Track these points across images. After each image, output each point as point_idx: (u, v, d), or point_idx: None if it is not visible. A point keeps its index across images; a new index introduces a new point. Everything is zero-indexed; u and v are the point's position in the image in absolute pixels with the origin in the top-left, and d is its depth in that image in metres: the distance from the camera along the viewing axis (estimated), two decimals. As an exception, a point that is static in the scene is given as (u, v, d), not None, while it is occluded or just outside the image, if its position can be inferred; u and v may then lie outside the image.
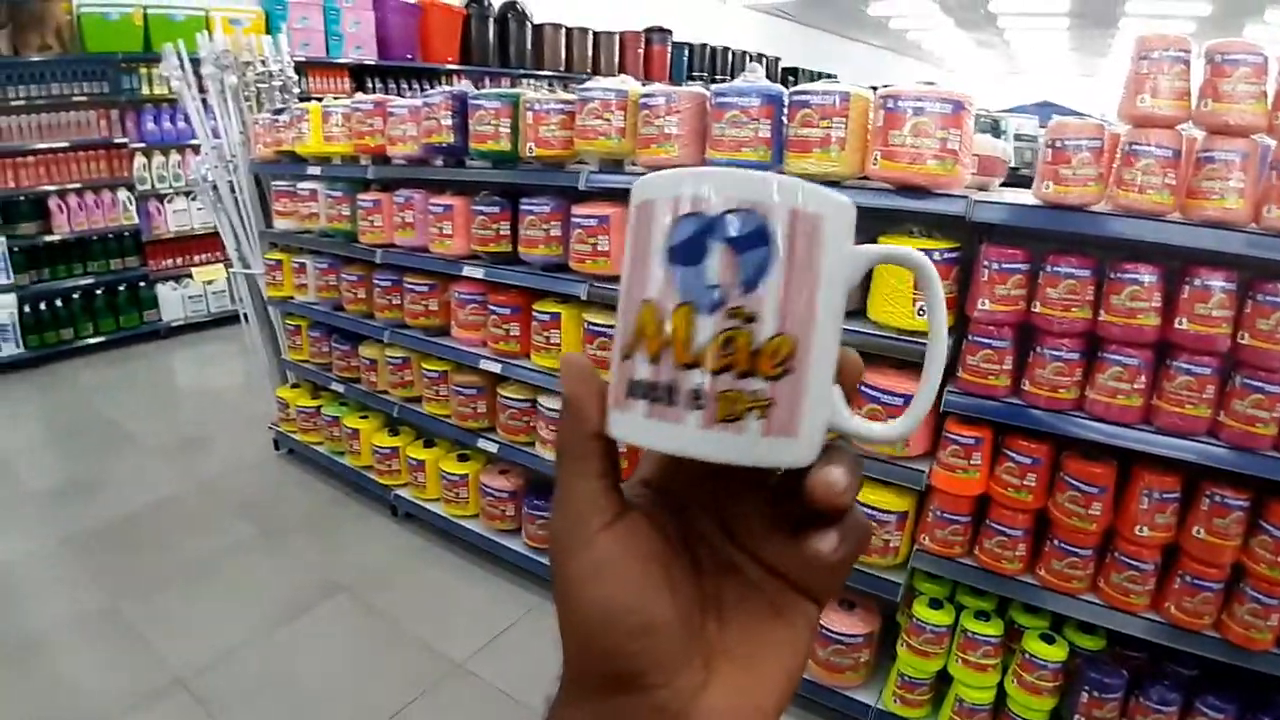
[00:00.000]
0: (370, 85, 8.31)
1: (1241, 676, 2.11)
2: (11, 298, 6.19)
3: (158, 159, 6.98)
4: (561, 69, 10.56)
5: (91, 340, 6.67)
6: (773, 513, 0.41)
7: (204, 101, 4.37)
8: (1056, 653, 2.27)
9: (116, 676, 2.88)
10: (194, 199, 7.00)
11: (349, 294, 3.89)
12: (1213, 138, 1.90)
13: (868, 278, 2.35)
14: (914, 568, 2.47)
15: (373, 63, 8.42)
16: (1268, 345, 1.89)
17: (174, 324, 7.20)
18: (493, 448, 3.42)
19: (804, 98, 2.29)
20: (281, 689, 2.85)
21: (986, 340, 2.20)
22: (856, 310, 2.41)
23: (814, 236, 0.38)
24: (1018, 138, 6.65)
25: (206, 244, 7.32)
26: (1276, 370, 1.90)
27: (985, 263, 2.17)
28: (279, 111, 4.05)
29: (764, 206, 0.37)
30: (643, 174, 0.39)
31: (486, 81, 9.26)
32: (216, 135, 4.32)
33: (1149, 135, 1.93)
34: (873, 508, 2.42)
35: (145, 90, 6.79)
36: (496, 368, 3.24)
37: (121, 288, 6.87)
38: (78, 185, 6.53)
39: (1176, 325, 1.98)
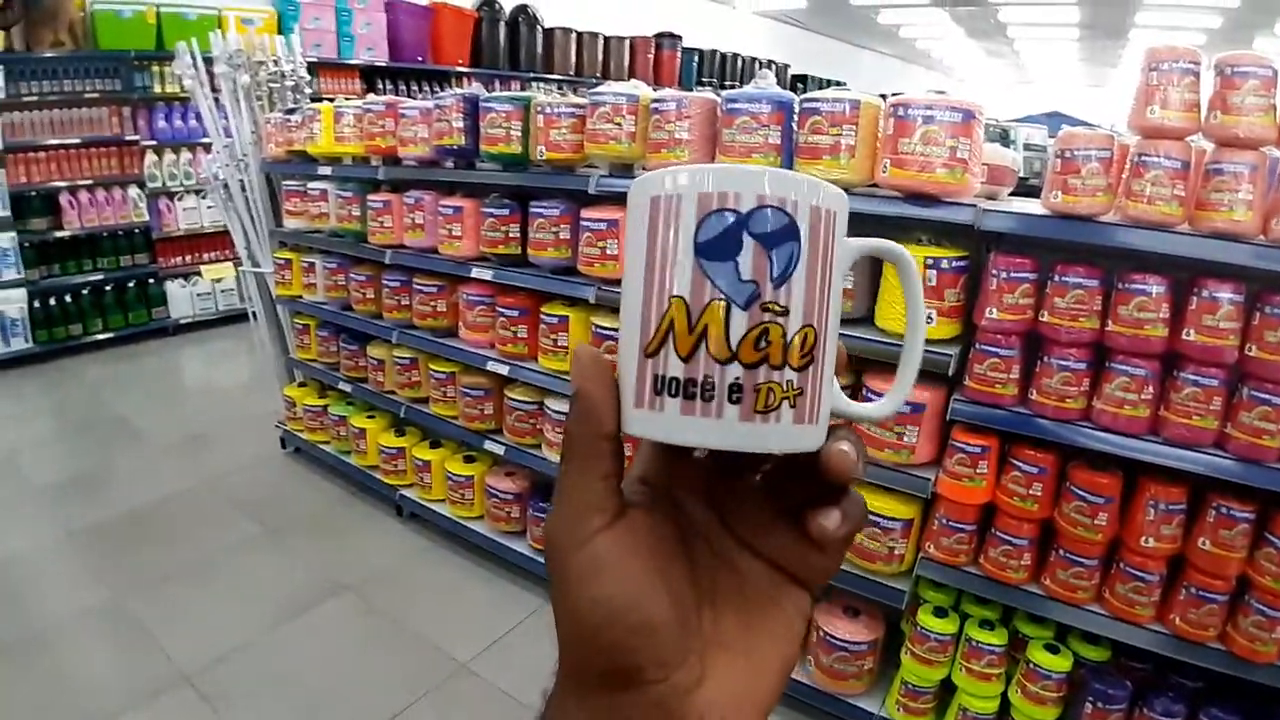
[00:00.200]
0: (381, 87, 8.35)
1: (1245, 689, 2.11)
2: (22, 292, 6.24)
3: (169, 157, 7.03)
4: (571, 73, 10.60)
5: (100, 336, 6.72)
6: (767, 502, 0.42)
7: (216, 100, 4.40)
8: (1061, 663, 2.27)
9: (121, 672, 2.89)
10: (204, 197, 7.03)
11: (357, 294, 3.90)
12: (1222, 150, 1.90)
13: (875, 286, 2.37)
14: (919, 575, 2.46)
15: (384, 64, 8.46)
16: (1275, 357, 1.89)
17: (182, 321, 7.25)
18: (499, 449, 3.43)
19: (814, 104, 2.30)
20: (285, 687, 2.86)
21: (994, 349, 2.20)
22: (864, 317, 2.41)
23: (831, 231, 0.40)
24: (1027, 147, 6.62)
25: (216, 242, 7.37)
26: (1284, 383, 1.90)
27: (993, 271, 2.17)
28: (291, 111, 4.07)
29: (791, 203, 0.38)
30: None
31: (496, 84, 9.29)
32: (228, 134, 4.35)
33: (1158, 147, 1.93)
34: (878, 515, 2.42)
35: (157, 88, 6.84)
36: (504, 370, 3.25)
37: (131, 284, 6.91)
38: (89, 181, 6.57)
39: (1184, 336, 1.98)
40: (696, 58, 12.68)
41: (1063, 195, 2.03)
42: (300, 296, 4.29)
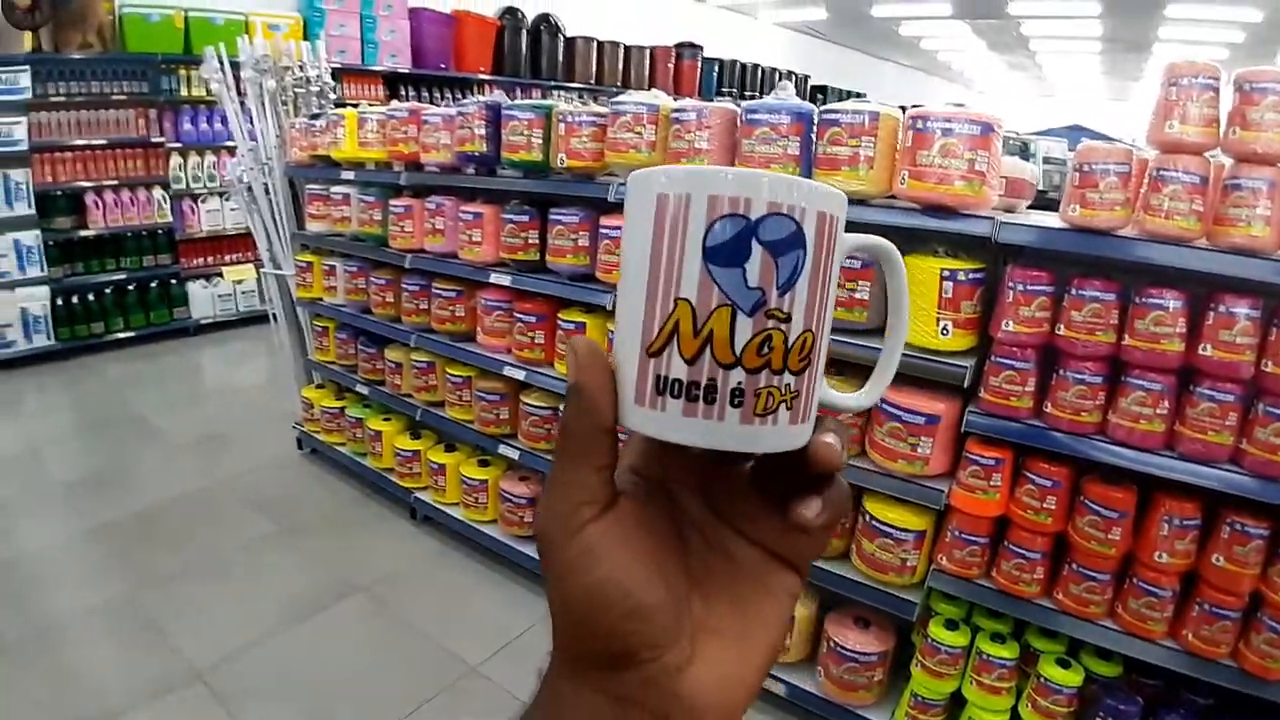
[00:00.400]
0: (404, 93, 8.43)
1: (1257, 706, 2.09)
2: (45, 290, 6.32)
3: (193, 159, 7.12)
4: (592, 81, 10.66)
5: (121, 335, 6.80)
6: (756, 490, 0.44)
7: (242, 104, 4.46)
8: (1072, 678, 2.26)
9: (134, 668, 2.92)
10: (227, 199, 7.13)
11: (377, 297, 3.94)
12: (1240, 165, 1.90)
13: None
14: (931, 587, 2.46)
15: (406, 71, 8.54)
16: (1293, 374, 1.88)
17: (203, 321, 7.33)
18: (514, 454, 3.45)
19: (833, 116, 2.31)
20: (296, 686, 2.88)
21: (1009, 361, 2.20)
22: (878, 328, 2.42)
23: (833, 236, 0.40)
24: (1047, 160, 6.60)
25: (237, 244, 7.46)
26: (1301, 400, 1.89)
27: (1010, 284, 2.18)
28: (315, 116, 4.12)
29: (800, 210, 0.39)
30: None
31: (518, 92, 9.37)
32: (253, 138, 4.40)
33: (1177, 161, 1.94)
34: (891, 526, 2.42)
35: (183, 91, 6.94)
36: (520, 375, 3.28)
37: (153, 284, 7.00)
38: (114, 182, 6.66)
39: (1200, 351, 1.98)
40: (717, 68, 12.71)
41: (1081, 209, 2.04)
42: (320, 299, 4.33)
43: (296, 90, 4.42)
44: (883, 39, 16.99)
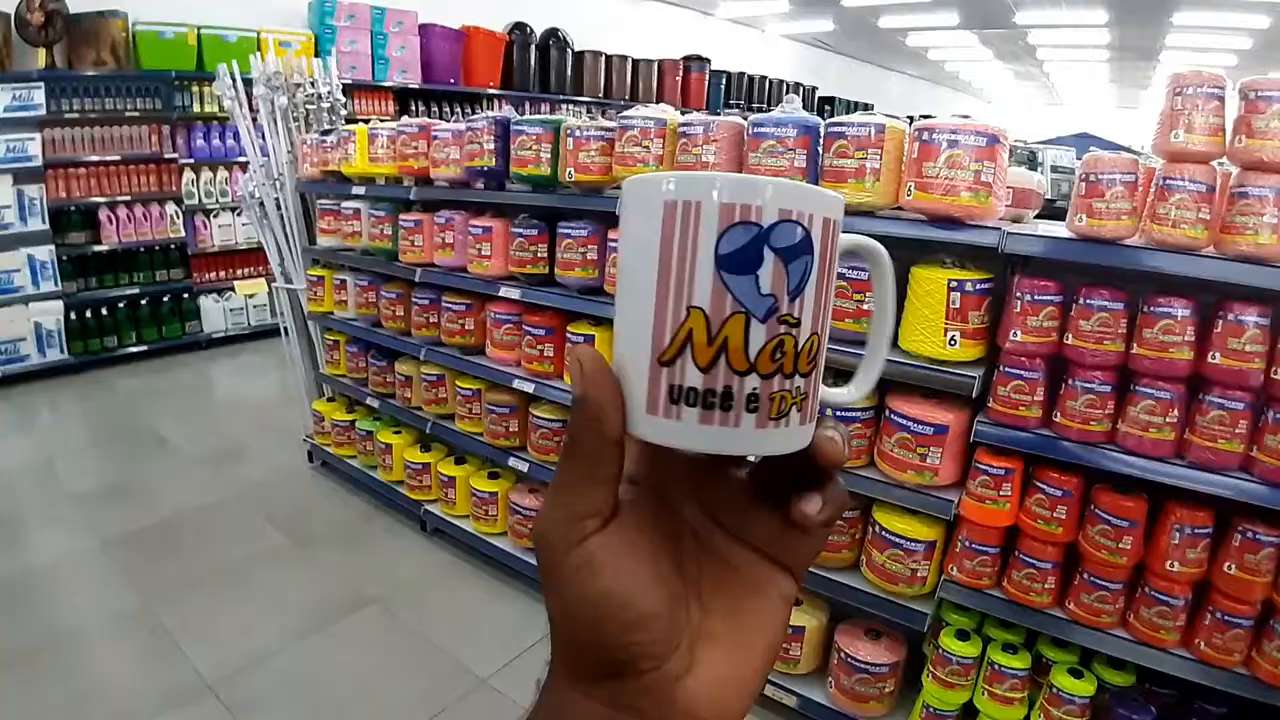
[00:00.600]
0: (414, 108, 8.50)
1: (1271, 715, 2.07)
2: (58, 304, 6.38)
3: (205, 175, 7.20)
4: (600, 95, 10.73)
5: (134, 349, 6.86)
6: (752, 492, 0.44)
7: (254, 120, 4.50)
8: (1085, 688, 2.25)
9: (147, 679, 2.93)
10: (239, 214, 7.19)
11: (387, 311, 3.97)
12: (1246, 173, 1.90)
13: (900, 308, 2.38)
14: (941, 598, 2.46)
15: (417, 86, 8.62)
16: (1302, 382, 1.88)
17: (215, 335, 7.39)
18: (523, 466, 3.46)
19: (840, 129, 2.33)
20: (307, 699, 2.89)
21: (1018, 371, 2.20)
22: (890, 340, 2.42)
23: (835, 241, 0.41)
24: (1054, 169, 6.62)
25: (249, 259, 7.53)
26: (1311, 408, 1.89)
27: (1018, 294, 2.18)
28: (326, 132, 4.16)
29: (808, 217, 0.39)
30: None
31: (527, 106, 9.44)
32: (265, 154, 4.44)
33: (1183, 170, 1.94)
34: (901, 536, 2.42)
35: (196, 108, 7.01)
36: (530, 387, 3.29)
37: (165, 298, 7.06)
38: (127, 198, 6.73)
39: (1209, 360, 1.98)
40: (724, 80, 12.78)
41: (1087, 218, 2.04)
42: (331, 313, 4.36)
43: (308, 106, 4.47)
44: (890, 50, 17.01)
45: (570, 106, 10.16)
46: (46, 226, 6.28)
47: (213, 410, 6.25)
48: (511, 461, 3.50)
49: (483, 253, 3.33)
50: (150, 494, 4.41)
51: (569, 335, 3.14)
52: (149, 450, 5.07)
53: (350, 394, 4.50)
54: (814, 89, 15.04)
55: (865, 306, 2.34)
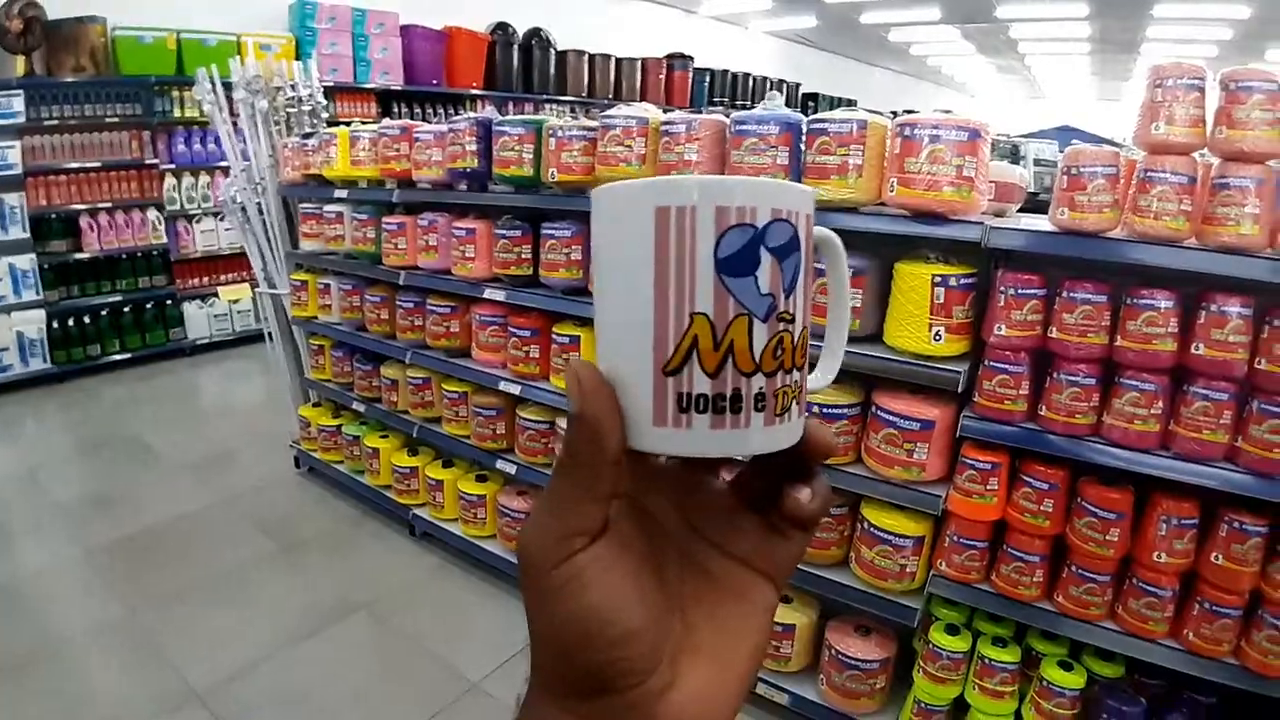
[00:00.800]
0: (396, 110, 8.46)
1: (1260, 704, 2.09)
2: (40, 314, 6.33)
3: (187, 180, 7.14)
4: (584, 94, 10.71)
5: (118, 357, 6.80)
6: (732, 500, 0.45)
7: (234, 125, 4.47)
8: (1074, 680, 2.26)
9: (134, 689, 2.91)
10: (221, 220, 7.13)
11: (372, 315, 3.94)
12: (1227, 164, 1.91)
13: (884, 304, 2.38)
14: (931, 593, 2.46)
15: (399, 88, 8.59)
16: (1286, 371, 1.89)
17: (199, 342, 7.33)
18: (511, 469, 3.45)
19: (821, 125, 2.32)
20: (297, 706, 2.87)
21: (1003, 365, 2.20)
22: (873, 335, 2.42)
23: (810, 235, 0.42)
24: (1037, 162, 6.63)
25: (232, 264, 7.47)
26: (1294, 396, 1.90)
27: (1001, 288, 2.18)
28: (308, 136, 4.13)
29: (795, 214, 0.40)
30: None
31: (510, 106, 9.42)
32: (246, 158, 4.41)
33: (1164, 162, 1.95)
34: (889, 532, 2.42)
35: (177, 113, 6.96)
36: (516, 389, 3.28)
37: (149, 305, 7.01)
38: (108, 204, 6.68)
39: (1193, 350, 1.98)
40: (708, 78, 12.78)
41: (1069, 212, 2.05)
42: (315, 317, 4.34)
43: (289, 110, 4.44)
44: (873, 45, 17.06)
45: (554, 106, 10.14)
46: (27, 235, 6.23)
47: (198, 417, 6.20)
48: (499, 464, 3.49)
49: (466, 255, 3.31)
50: (136, 502, 4.38)
51: (554, 336, 3.13)
52: (134, 459, 5.03)
53: (336, 398, 4.47)
54: (797, 85, 15.06)
55: (851, 304, 2.33)
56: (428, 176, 3.42)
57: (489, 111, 3.24)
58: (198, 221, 7.27)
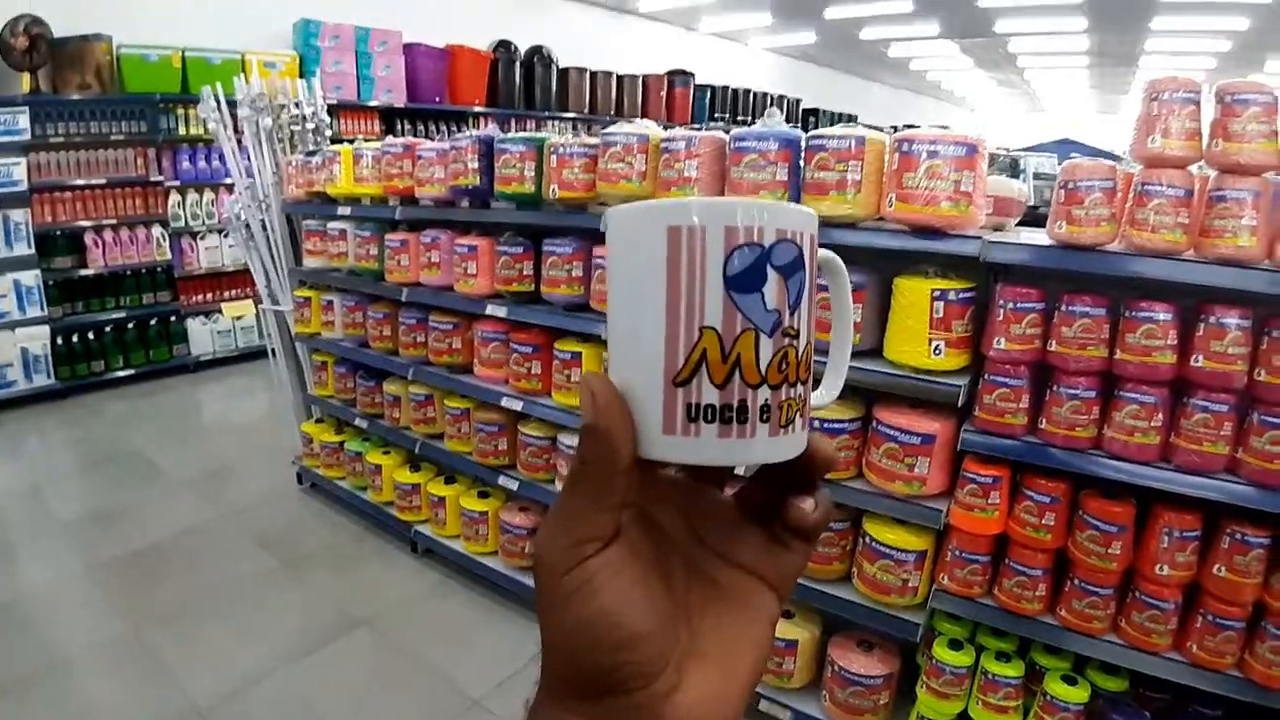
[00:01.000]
0: (399, 127, 8.51)
1: (1266, 716, 2.08)
2: (45, 329, 6.35)
3: (191, 197, 7.18)
4: (585, 111, 10.77)
5: (122, 373, 6.82)
6: (736, 511, 0.46)
7: (239, 142, 4.50)
8: (1078, 694, 2.25)
9: (136, 706, 2.90)
10: (225, 236, 7.17)
11: (375, 331, 3.95)
12: (1224, 177, 1.92)
13: (884, 319, 2.39)
14: (933, 608, 2.45)
15: (402, 106, 8.64)
16: (1285, 383, 1.89)
17: (203, 358, 7.34)
18: (513, 485, 3.45)
19: (820, 141, 2.34)
20: (300, 722, 2.87)
21: (1003, 379, 2.21)
22: (873, 349, 2.43)
23: (815, 255, 0.44)
24: (1037, 176, 6.66)
25: (236, 280, 7.50)
26: (1294, 407, 1.90)
27: (1000, 302, 2.19)
28: (311, 153, 4.16)
29: (800, 235, 0.41)
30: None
31: (512, 123, 9.47)
32: (250, 175, 4.44)
33: (1161, 175, 1.96)
34: (891, 547, 2.41)
35: (181, 130, 7.00)
36: (518, 405, 3.28)
37: (153, 322, 7.03)
38: (113, 221, 6.72)
39: (1192, 363, 1.99)
40: (709, 94, 12.85)
41: (1067, 225, 2.06)
42: (318, 334, 4.35)
43: (293, 128, 4.47)
44: (873, 61, 17.14)
45: (556, 123, 10.20)
46: (32, 251, 6.26)
47: (201, 433, 6.21)
48: (501, 480, 3.49)
49: (469, 271, 3.33)
50: (139, 518, 4.38)
51: (556, 352, 3.14)
52: (137, 475, 5.03)
53: (339, 415, 4.48)
54: (798, 101, 15.14)
55: (855, 319, 2.33)
56: (430, 194, 3.43)
57: (491, 129, 3.27)
58: (202, 238, 7.30)
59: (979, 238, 2.16)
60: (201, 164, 7.16)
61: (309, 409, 4.78)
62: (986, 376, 2.24)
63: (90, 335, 6.63)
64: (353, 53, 8.13)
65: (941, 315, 2.24)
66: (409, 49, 8.66)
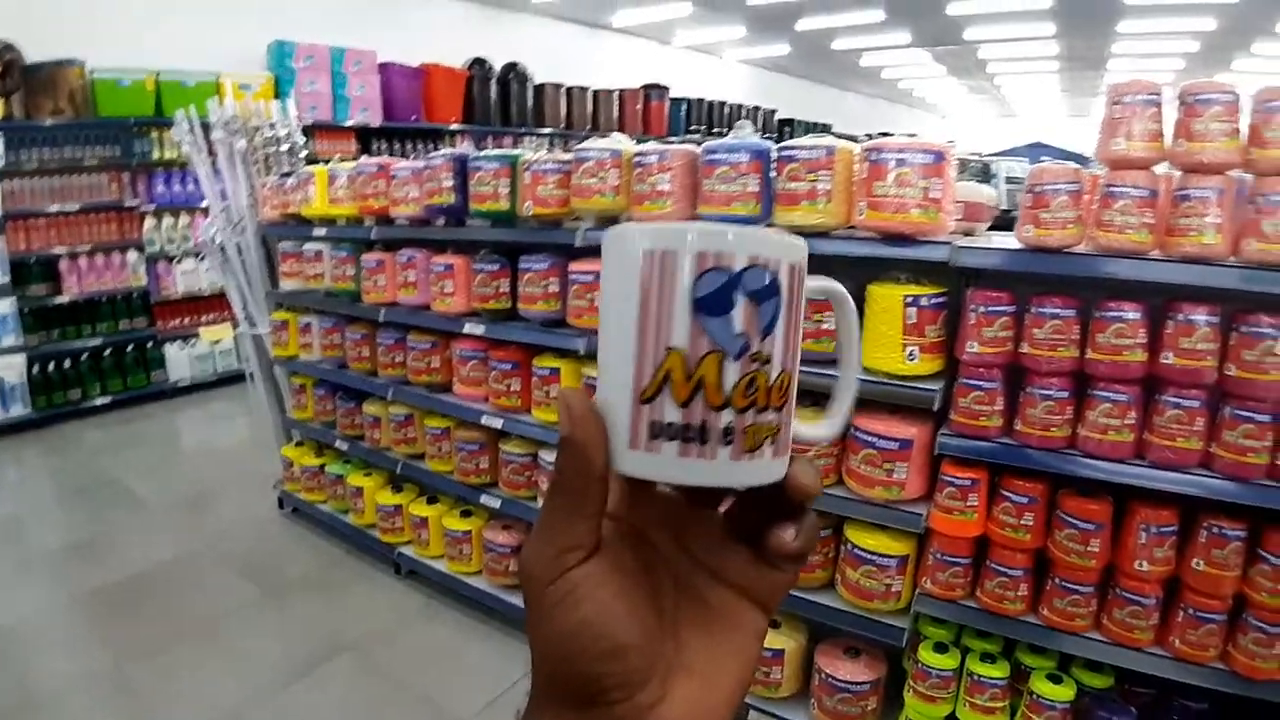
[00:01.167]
0: (375, 146, 8.49)
1: (1250, 707, 2.09)
2: (21, 358, 6.27)
3: (167, 221, 7.11)
4: (562, 126, 10.80)
5: (99, 401, 6.73)
6: (726, 529, 0.46)
7: (214, 165, 4.48)
8: (1064, 692, 2.26)
9: (121, 740, 2.87)
10: (202, 260, 7.09)
11: (353, 352, 3.93)
12: (1188, 176, 1.95)
13: (860, 326, 2.40)
14: (917, 612, 2.46)
15: (378, 125, 8.63)
16: (1254, 376, 1.91)
17: (181, 384, 7.27)
18: (495, 503, 3.43)
19: (791, 152, 2.36)
20: (287, 749, 2.83)
21: (976, 382, 2.22)
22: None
23: (800, 284, 0.44)
24: (1009, 180, 6.73)
25: (214, 304, 7.41)
26: (1265, 400, 1.92)
27: (972, 306, 2.21)
28: (286, 175, 4.15)
29: (775, 261, 0.41)
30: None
31: (489, 140, 9.47)
32: (225, 198, 4.42)
33: (1125, 177, 1.99)
34: (873, 553, 2.42)
35: (156, 154, 6.94)
36: (498, 423, 3.27)
37: (129, 348, 6.95)
38: (88, 247, 6.64)
39: (1163, 360, 2.01)
40: (685, 107, 12.92)
41: (1035, 229, 2.08)
42: (297, 356, 4.32)
43: (268, 150, 4.46)
44: (846, 70, 17.30)
45: (532, 139, 10.22)
46: (7, 279, 6.19)
47: (181, 460, 6.15)
48: (483, 499, 3.47)
49: (445, 290, 3.32)
50: (119, 548, 4.33)
51: (535, 369, 3.13)
52: (117, 504, 4.97)
53: (319, 438, 4.45)
54: (773, 111, 15.25)
55: (825, 326, 2.35)
56: (405, 213, 3.43)
57: (467, 146, 3.27)
58: (178, 262, 7.23)
59: (948, 243, 2.18)
60: (176, 188, 7.10)
61: (289, 433, 4.75)
62: (961, 380, 2.26)
63: (67, 363, 6.54)
64: (328, 73, 8.12)
65: (914, 321, 2.25)
66: (384, 68, 8.66)
